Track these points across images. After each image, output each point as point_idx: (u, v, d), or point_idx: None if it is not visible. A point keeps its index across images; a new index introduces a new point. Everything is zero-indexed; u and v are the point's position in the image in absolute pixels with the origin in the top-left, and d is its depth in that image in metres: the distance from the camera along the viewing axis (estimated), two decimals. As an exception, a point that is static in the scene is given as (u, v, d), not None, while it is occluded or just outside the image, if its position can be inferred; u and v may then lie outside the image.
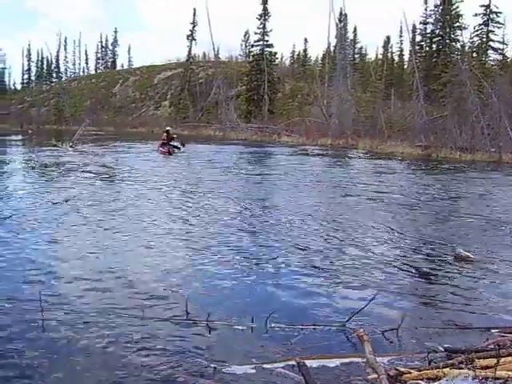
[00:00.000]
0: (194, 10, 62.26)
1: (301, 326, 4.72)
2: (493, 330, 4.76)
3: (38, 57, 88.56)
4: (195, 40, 63.38)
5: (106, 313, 4.88)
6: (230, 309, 5.15)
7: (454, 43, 43.96)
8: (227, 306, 5.23)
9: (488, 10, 42.13)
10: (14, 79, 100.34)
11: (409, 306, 5.44)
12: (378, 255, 7.28)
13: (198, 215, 9.89)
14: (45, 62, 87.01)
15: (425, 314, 5.34)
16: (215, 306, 5.14)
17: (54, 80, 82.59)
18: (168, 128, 28.14)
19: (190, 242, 7.82)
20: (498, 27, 43.41)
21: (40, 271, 6.09)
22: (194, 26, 62.87)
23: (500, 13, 42.37)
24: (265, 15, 53.41)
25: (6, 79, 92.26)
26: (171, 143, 26.44)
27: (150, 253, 7.15)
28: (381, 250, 7.61)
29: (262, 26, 53.81)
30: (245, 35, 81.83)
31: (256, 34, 55.05)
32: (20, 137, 42.76)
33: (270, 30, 53.77)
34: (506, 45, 45.67)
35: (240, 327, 4.70)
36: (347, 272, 6.43)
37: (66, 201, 10.95)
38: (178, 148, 26.51)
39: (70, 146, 27.73)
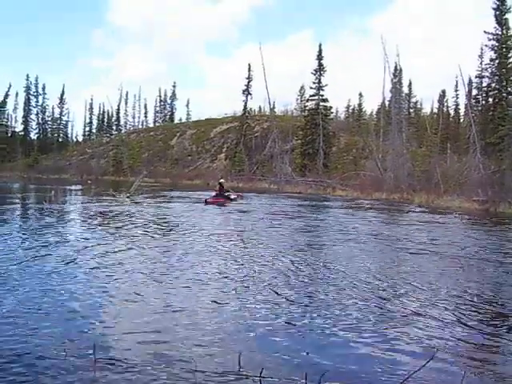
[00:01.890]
0: (249, 65, 64.21)
1: (354, 386, 4.61)
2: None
3: (99, 110, 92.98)
4: (251, 94, 65.12)
5: (157, 365, 4.87)
6: (282, 364, 5.05)
7: (510, 96, 43.43)
8: (280, 362, 5.13)
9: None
10: (77, 131, 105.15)
11: (468, 370, 5.17)
12: (438, 314, 7.03)
13: (253, 265, 9.78)
14: (106, 116, 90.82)
15: (484, 380, 5.10)
16: (268, 361, 5.06)
17: (113, 132, 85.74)
18: (221, 180, 29.04)
19: (242, 293, 7.76)
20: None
21: (91, 321, 6.12)
22: (249, 81, 64.69)
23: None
24: (320, 70, 54.52)
25: (69, 131, 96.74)
26: (223, 193, 27.09)
27: (202, 304, 7.13)
28: (440, 308, 7.35)
29: (317, 80, 54.94)
30: (300, 90, 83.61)
31: (311, 88, 56.17)
32: (79, 186, 44.13)
33: (326, 85, 54.93)
34: None
35: (293, 384, 4.61)
36: (403, 331, 6.22)
37: (118, 251, 11.11)
38: (230, 198, 27.10)
39: (127, 197, 28.42)
